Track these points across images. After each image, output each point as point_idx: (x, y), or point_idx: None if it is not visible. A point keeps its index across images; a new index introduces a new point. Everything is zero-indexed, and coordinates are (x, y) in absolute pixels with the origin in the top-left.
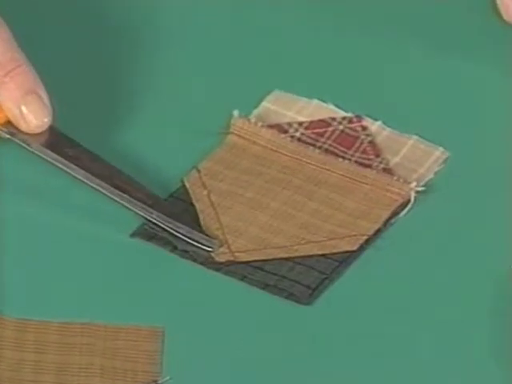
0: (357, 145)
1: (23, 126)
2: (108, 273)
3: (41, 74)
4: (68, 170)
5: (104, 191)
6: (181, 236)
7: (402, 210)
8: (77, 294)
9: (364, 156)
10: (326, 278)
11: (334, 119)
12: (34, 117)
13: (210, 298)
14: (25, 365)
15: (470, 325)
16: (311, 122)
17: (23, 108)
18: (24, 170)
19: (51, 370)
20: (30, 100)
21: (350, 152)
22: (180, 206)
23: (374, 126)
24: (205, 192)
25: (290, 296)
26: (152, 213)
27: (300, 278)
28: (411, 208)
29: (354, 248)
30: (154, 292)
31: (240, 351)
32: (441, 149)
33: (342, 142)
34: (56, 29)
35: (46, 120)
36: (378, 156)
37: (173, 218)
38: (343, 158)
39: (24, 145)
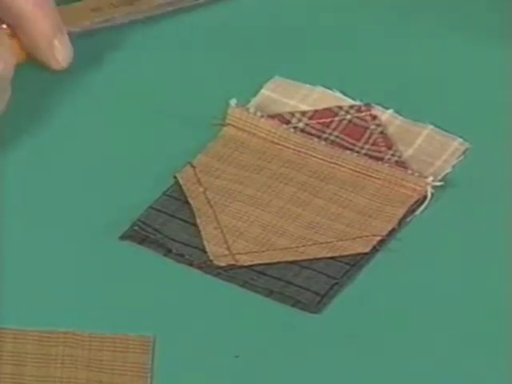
0: (366, 136)
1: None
2: (94, 278)
3: None
4: None
5: None
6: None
7: (418, 207)
8: (59, 301)
9: (375, 148)
10: (335, 284)
11: (340, 108)
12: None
13: (207, 305)
14: (1, 378)
15: (493, 335)
16: (316, 112)
17: (56, 43)
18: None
19: (30, 383)
20: (60, 37)
21: (360, 144)
22: (174, 204)
23: (384, 114)
24: (201, 189)
25: (296, 303)
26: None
27: (307, 284)
28: (428, 205)
29: (366, 250)
30: (145, 299)
31: (240, 365)
32: (459, 139)
33: (350, 133)
34: None
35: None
36: (390, 148)
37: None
38: (352, 150)
39: None
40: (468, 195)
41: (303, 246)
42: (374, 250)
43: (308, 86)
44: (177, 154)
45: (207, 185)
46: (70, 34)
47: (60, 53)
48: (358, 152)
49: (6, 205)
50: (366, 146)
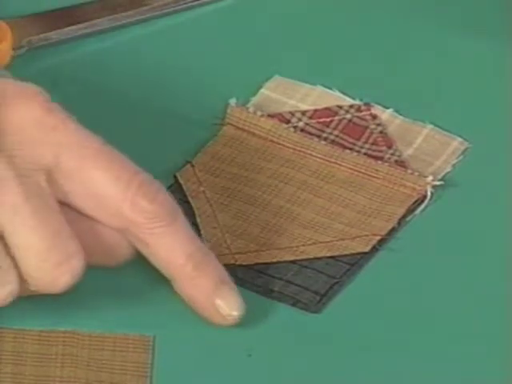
0: (366, 135)
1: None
2: (93, 276)
3: None
4: None
5: None
6: None
7: (418, 206)
8: (58, 300)
9: (374, 147)
10: (335, 283)
11: (340, 107)
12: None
13: None
14: (1, 377)
15: (493, 335)
16: (315, 111)
17: (219, 301)
18: None
19: (30, 383)
20: (224, 292)
21: (359, 143)
22: None
23: (384, 114)
24: (201, 188)
25: (296, 303)
26: None
27: (307, 283)
28: (428, 205)
29: (366, 249)
30: (144, 298)
31: (239, 364)
32: (459, 139)
33: (350, 133)
34: None
35: (236, 314)
36: (389, 147)
37: None
38: (352, 149)
39: None
40: (468, 195)
41: (303, 245)
42: (374, 249)
43: (308, 85)
44: (176, 153)
45: (207, 184)
46: (81, 34)
47: (224, 308)
48: (357, 151)
49: None
50: (366, 146)
